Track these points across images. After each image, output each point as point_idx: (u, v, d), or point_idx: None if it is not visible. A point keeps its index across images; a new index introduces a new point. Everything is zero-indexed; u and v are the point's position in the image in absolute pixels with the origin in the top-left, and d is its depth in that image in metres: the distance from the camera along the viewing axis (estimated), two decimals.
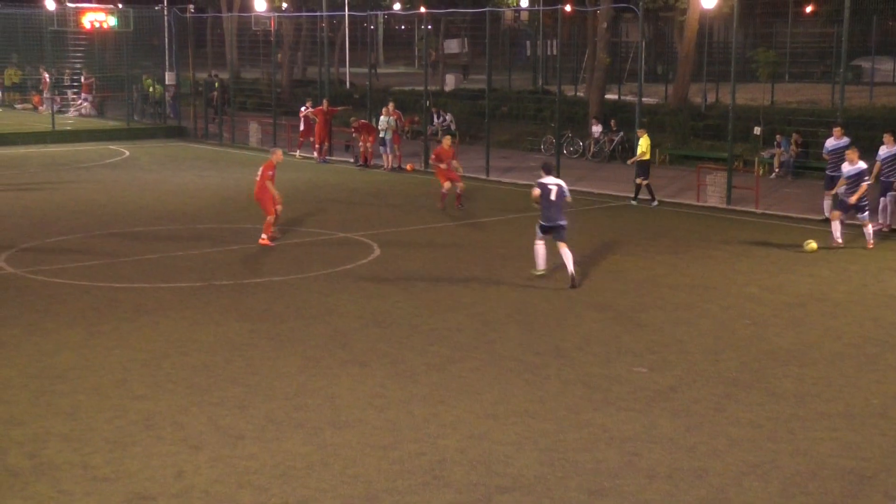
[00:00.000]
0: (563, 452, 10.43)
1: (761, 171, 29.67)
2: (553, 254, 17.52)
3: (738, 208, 25.36)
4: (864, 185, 20.37)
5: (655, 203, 25.65)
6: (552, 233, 17.46)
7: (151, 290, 16.93)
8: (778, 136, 31.29)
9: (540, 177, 17.83)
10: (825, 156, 23.66)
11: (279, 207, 20.45)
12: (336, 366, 13.09)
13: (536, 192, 17.50)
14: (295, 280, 17.66)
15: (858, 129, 29.19)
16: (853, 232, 21.37)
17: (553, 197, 17.40)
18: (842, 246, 20.34)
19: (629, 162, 27.78)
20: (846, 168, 20.75)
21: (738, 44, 28.73)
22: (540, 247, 17.70)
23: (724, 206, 25.67)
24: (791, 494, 9.57)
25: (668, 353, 13.81)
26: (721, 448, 10.60)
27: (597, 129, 35.19)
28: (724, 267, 19.12)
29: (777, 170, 30.55)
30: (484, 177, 30.25)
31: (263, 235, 20.39)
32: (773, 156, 30.89)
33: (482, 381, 12.59)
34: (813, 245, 20.12)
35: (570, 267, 17.24)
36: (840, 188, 21.21)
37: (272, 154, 20.76)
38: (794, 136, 30.77)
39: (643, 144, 25.72)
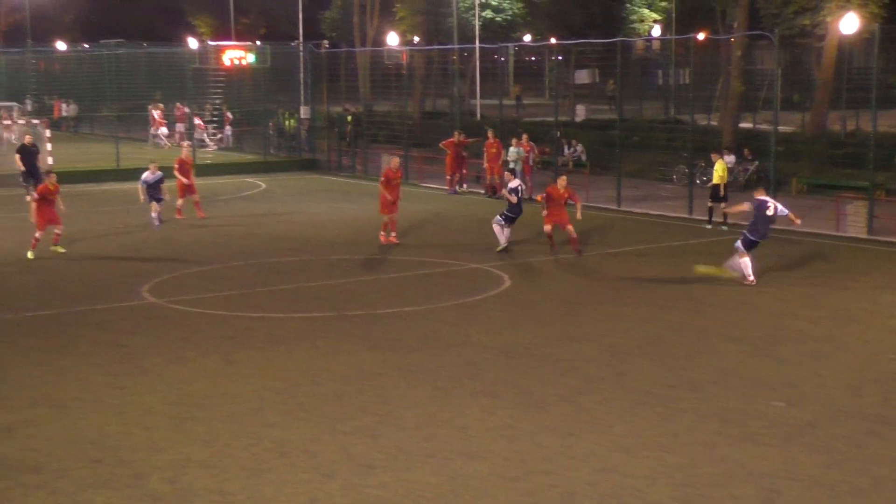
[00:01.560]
0: (698, 488, 10.20)
1: None
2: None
3: (879, 238, 24.53)
4: (746, 205, 19.71)
5: (725, 228, 25.65)
6: (514, 221, 23.21)
7: (285, 319, 17.26)
8: None
9: (512, 181, 23.47)
10: None
11: (385, 213, 23.92)
12: (466, 396, 13.09)
13: (514, 198, 23.05)
14: (425, 310, 17.77)
15: None
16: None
17: (519, 195, 23.33)
18: (753, 283, 19.26)
19: (710, 186, 27.33)
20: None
21: (879, 69, 27.85)
22: (500, 229, 23.03)
23: (864, 236, 24.87)
24: None
25: (807, 388, 13.40)
26: (864, 487, 10.21)
27: (730, 158, 34.49)
28: (866, 299, 18.49)
29: None
30: (615, 207, 30.00)
31: (382, 233, 24.08)
32: None
33: (613, 413, 12.42)
34: (702, 269, 19.96)
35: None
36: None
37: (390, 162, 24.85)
38: None
39: (718, 169, 25.72)
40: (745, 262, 19.40)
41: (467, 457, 11.05)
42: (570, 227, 22.59)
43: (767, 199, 19.68)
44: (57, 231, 22.96)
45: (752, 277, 19.34)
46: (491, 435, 11.70)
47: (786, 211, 19.72)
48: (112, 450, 11.36)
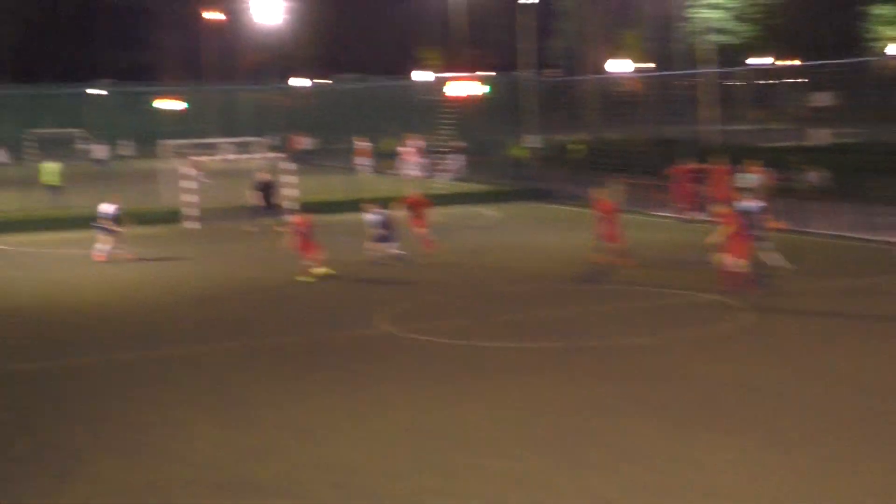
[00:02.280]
0: None
1: None
2: None
3: None
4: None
5: None
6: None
7: (516, 349, 17.23)
8: None
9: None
10: None
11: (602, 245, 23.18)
12: (707, 432, 12.65)
13: None
14: (659, 342, 17.35)
15: None
16: None
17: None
18: None
19: None
20: None
21: None
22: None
23: None
24: None
25: None
26: None
27: None
28: None
29: None
30: (866, 236, 28.33)
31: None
32: None
33: (861, 454, 11.71)
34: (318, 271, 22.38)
35: None
36: None
37: None
38: None
39: None
40: None
41: (710, 496, 10.66)
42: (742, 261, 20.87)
43: None
44: (315, 260, 24.03)
45: None
46: (734, 474, 11.24)
47: None
48: (351, 475, 11.60)
